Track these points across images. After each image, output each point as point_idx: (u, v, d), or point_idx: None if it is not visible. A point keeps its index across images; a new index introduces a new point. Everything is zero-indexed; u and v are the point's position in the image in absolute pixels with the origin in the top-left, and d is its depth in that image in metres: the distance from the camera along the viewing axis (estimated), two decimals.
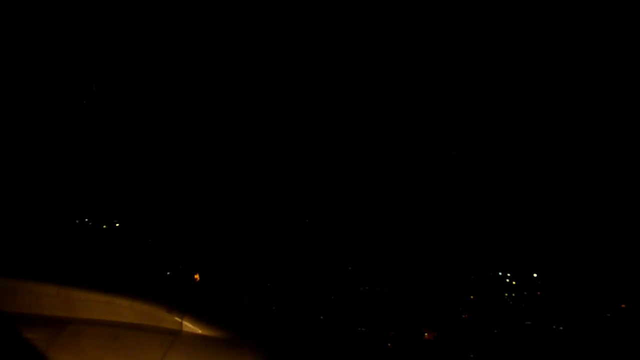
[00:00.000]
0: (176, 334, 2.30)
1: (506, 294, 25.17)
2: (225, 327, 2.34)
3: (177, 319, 2.35)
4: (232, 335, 2.31)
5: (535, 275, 25.07)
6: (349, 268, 23.01)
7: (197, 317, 2.37)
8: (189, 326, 2.33)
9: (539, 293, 24.34)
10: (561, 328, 22.21)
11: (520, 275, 25.66)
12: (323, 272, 23.36)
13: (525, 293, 25.02)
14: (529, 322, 22.84)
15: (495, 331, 21.67)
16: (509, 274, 25.06)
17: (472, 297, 25.06)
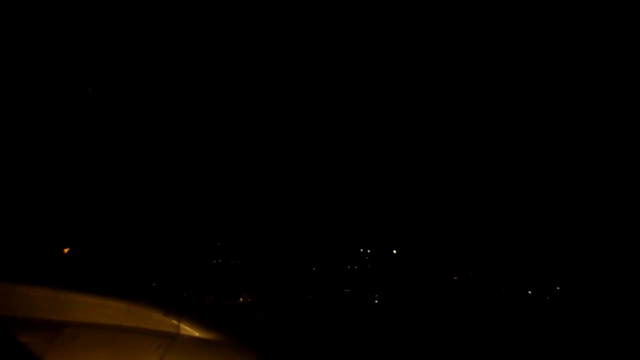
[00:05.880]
0: (173, 337, 2.31)
1: (348, 267, 26.81)
2: (223, 329, 2.39)
3: (174, 321, 2.35)
4: (230, 338, 2.36)
5: (395, 252, 26.92)
6: (218, 244, 23.15)
7: (195, 319, 2.38)
8: (186, 329, 2.34)
9: (381, 266, 26.28)
10: (376, 295, 24.67)
11: (380, 252, 27.30)
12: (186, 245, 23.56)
13: (369, 267, 26.78)
14: (348, 290, 25.00)
15: (310, 297, 23.50)
16: (369, 250, 26.61)
17: (314, 268, 26.52)
